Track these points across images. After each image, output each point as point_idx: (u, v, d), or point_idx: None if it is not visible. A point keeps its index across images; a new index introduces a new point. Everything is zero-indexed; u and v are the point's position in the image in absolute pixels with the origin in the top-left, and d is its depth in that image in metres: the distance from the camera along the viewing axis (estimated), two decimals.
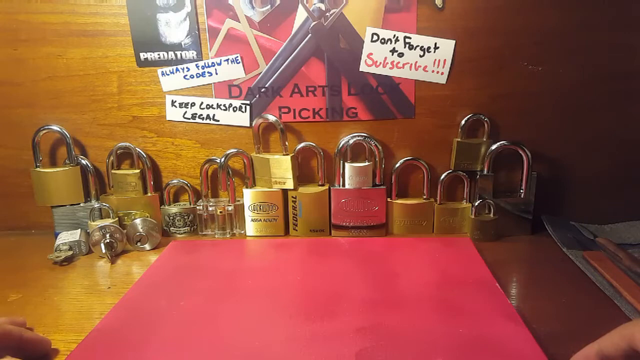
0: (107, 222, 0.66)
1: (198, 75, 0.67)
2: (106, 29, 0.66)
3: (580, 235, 0.65)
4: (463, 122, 0.66)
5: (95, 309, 0.50)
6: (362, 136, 0.67)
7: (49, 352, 0.42)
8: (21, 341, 0.39)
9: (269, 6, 0.64)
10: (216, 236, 0.69)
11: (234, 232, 0.70)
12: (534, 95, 0.65)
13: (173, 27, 0.65)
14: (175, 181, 0.70)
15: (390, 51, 0.65)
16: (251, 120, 0.68)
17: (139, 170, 0.69)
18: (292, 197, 0.68)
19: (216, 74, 0.67)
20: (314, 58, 0.66)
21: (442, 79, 0.65)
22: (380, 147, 0.66)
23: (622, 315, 0.45)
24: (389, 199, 0.68)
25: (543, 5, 0.62)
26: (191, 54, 0.66)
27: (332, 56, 0.66)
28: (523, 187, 0.66)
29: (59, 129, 0.68)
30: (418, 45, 0.64)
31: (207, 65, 0.67)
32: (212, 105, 0.68)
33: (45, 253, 0.62)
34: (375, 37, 0.64)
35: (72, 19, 0.65)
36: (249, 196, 0.68)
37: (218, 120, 0.69)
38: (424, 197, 0.68)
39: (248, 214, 0.69)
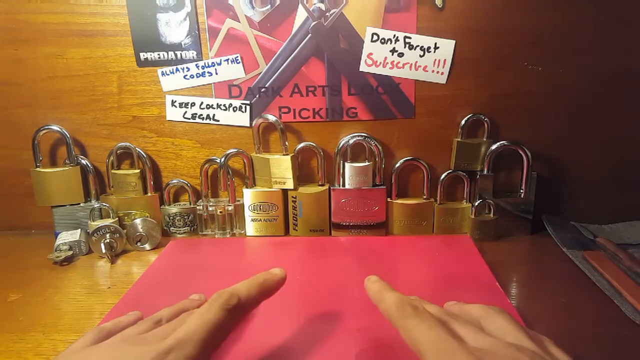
0: (107, 222, 0.66)
1: (198, 75, 0.67)
2: (106, 29, 0.66)
3: (580, 235, 0.65)
4: (463, 122, 0.66)
5: (95, 309, 0.50)
6: (362, 136, 0.67)
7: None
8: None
9: (269, 6, 0.64)
10: (216, 236, 0.69)
11: (234, 232, 0.70)
12: (534, 95, 0.65)
13: (173, 27, 0.65)
14: (175, 181, 0.70)
15: (390, 51, 0.65)
16: (251, 120, 0.68)
17: (139, 170, 0.69)
18: (292, 197, 0.68)
19: (216, 74, 0.67)
20: (314, 58, 0.66)
21: (442, 79, 0.65)
22: (380, 147, 0.66)
23: (622, 316, 0.46)
24: (389, 199, 0.68)
25: (543, 5, 0.62)
26: (191, 54, 0.66)
27: (332, 56, 0.66)
28: (523, 187, 0.66)
29: (59, 129, 0.68)
30: (418, 45, 0.64)
31: (207, 65, 0.67)
32: (212, 105, 0.68)
33: (45, 253, 0.62)
34: (375, 37, 0.64)
35: (72, 19, 0.65)
36: (249, 196, 0.68)
37: (218, 120, 0.69)
38: (424, 197, 0.68)
39: (248, 214, 0.69)
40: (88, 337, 0.36)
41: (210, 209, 0.69)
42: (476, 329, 0.33)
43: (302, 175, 0.70)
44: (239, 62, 0.67)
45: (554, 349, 0.32)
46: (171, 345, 0.30)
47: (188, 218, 0.70)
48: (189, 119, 0.69)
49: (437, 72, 0.65)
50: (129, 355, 0.30)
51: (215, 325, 0.32)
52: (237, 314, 0.34)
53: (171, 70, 0.67)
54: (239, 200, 0.70)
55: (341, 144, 0.66)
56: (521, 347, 0.30)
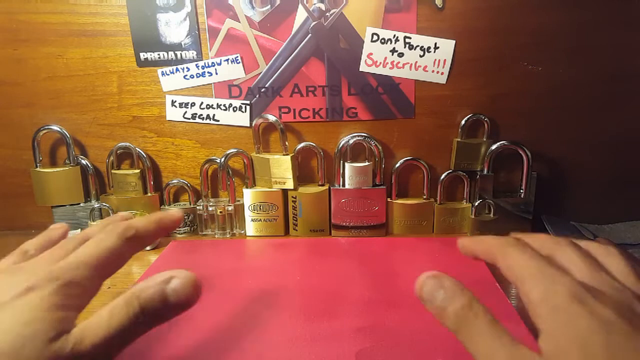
0: None
1: (198, 75, 0.67)
2: (106, 29, 0.66)
3: (580, 235, 0.65)
4: (463, 122, 0.66)
5: (95, 309, 0.50)
6: (362, 136, 0.67)
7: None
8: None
9: (269, 6, 0.64)
10: (216, 236, 0.69)
11: (234, 232, 0.70)
12: (534, 95, 0.65)
13: (173, 27, 0.65)
14: (175, 181, 0.70)
15: (390, 51, 0.65)
16: (251, 120, 0.68)
17: (139, 170, 0.69)
18: (292, 197, 0.68)
19: (216, 74, 0.67)
20: (314, 58, 0.66)
21: (442, 79, 0.65)
22: (380, 147, 0.66)
23: None
24: (389, 199, 0.68)
25: (543, 5, 0.62)
26: (191, 54, 0.66)
27: (332, 56, 0.66)
28: (523, 187, 0.66)
29: (59, 129, 0.68)
30: (418, 45, 0.64)
31: (207, 65, 0.67)
32: (212, 105, 0.68)
33: None
34: (375, 37, 0.64)
35: (72, 19, 0.65)
36: (249, 196, 0.68)
37: (218, 120, 0.69)
38: (424, 197, 0.68)
39: (248, 214, 0.69)
40: None
41: (210, 209, 0.69)
42: (593, 262, 0.29)
43: (302, 175, 0.70)
44: (239, 62, 0.67)
45: None
46: (62, 266, 0.29)
47: (188, 218, 0.70)
48: (189, 119, 0.69)
49: (437, 72, 0.65)
50: (14, 283, 0.28)
51: (111, 252, 0.31)
52: (133, 245, 0.34)
53: (171, 70, 0.67)
54: (239, 200, 0.70)
55: (341, 144, 0.66)
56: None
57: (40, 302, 0.27)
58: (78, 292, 0.29)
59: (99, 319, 0.28)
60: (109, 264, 0.32)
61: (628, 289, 0.27)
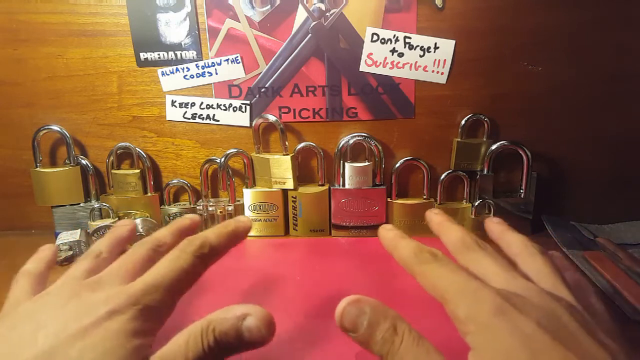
0: (107, 222, 0.66)
1: (198, 75, 0.67)
2: (106, 29, 0.66)
3: (580, 235, 0.65)
4: (463, 122, 0.66)
5: None
6: (362, 136, 0.67)
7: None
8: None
9: (269, 6, 0.64)
10: None
11: None
12: (534, 95, 0.65)
13: (173, 27, 0.65)
14: (175, 181, 0.70)
15: (390, 51, 0.65)
16: (251, 120, 0.68)
17: (139, 170, 0.69)
18: (292, 197, 0.68)
19: (216, 74, 0.67)
20: (314, 58, 0.66)
21: (442, 79, 0.65)
22: (380, 147, 0.66)
23: (622, 316, 0.45)
24: (389, 199, 0.68)
25: (543, 5, 0.62)
26: (191, 54, 0.66)
27: (332, 56, 0.66)
28: (523, 187, 0.66)
29: (59, 129, 0.68)
30: (418, 45, 0.64)
31: (207, 65, 0.67)
32: (212, 105, 0.68)
33: None
34: (375, 37, 0.64)
35: (72, 19, 0.65)
36: (249, 196, 0.68)
37: (218, 120, 0.69)
38: (424, 197, 0.68)
39: (248, 214, 0.69)
40: (24, 284, 0.34)
41: (210, 209, 0.69)
42: (508, 267, 0.30)
43: (302, 175, 0.70)
44: (239, 62, 0.67)
45: (596, 302, 0.29)
46: (141, 289, 0.29)
47: None
48: (189, 119, 0.69)
49: (437, 72, 0.65)
50: (93, 304, 0.28)
51: (185, 272, 0.32)
52: (207, 262, 0.34)
53: (171, 70, 0.67)
54: (239, 200, 0.70)
55: (341, 144, 0.66)
56: (558, 297, 0.27)
57: (122, 328, 0.27)
58: (155, 316, 0.29)
59: (176, 347, 0.28)
60: (184, 283, 0.32)
61: (546, 292, 0.27)
